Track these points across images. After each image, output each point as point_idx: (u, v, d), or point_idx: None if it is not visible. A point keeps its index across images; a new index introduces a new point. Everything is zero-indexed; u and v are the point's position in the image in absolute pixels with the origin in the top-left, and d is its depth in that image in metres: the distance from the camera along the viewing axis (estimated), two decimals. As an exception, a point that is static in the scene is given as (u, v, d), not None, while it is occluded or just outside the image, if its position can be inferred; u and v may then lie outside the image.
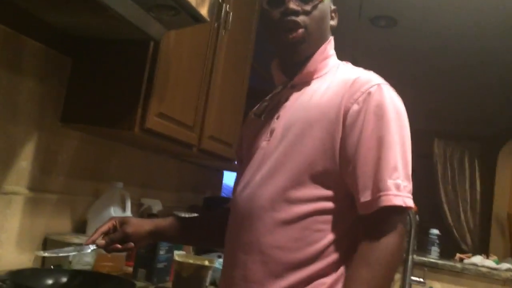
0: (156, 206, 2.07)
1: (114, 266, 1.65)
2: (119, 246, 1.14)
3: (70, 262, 1.48)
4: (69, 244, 1.48)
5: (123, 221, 1.18)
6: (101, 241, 1.13)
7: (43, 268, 1.35)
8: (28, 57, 1.40)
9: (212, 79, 1.84)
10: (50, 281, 1.13)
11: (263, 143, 1.00)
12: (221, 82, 1.92)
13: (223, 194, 2.98)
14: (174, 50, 1.55)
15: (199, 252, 2.10)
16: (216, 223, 1.22)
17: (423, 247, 2.81)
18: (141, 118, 1.44)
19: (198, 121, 1.79)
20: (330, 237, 0.91)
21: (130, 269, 1.63)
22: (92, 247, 1.10)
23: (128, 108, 1.44)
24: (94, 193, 1.76)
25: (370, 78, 0.95)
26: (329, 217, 0.92)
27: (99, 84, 1.50)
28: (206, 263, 1.50)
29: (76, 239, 1.51)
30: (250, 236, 0.94)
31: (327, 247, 0.91)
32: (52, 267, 1.39)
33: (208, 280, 1.47)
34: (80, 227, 1.69)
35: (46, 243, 1.53)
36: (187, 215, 2.08)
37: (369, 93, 0.92)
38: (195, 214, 2.19)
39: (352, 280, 0.86)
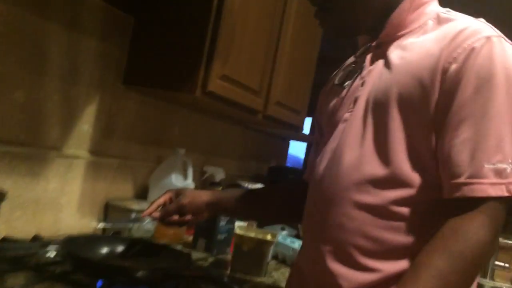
0: (219, 174, 2.00)
1: (174, 235, 1.61)
2: (175, 218, 1.07)
3: (130, 230, 1.44)
4: (130, 211, 1.44)
5: (179, 193, 1.10)
6: (157, 214, 1.07)
7: (99, 236, 1.31)
8: (89, 16, 1.34)
9: (280, 41, 1.70)
10: (104, 250, 1.09)
11: (346, 115, 0.84)
12: (290, 44, 1.77)
13: (288, 165, 2.86)
14: (239, 8, 1.42)
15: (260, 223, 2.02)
16: (281, 197, 1.11)
17: (510, 229, 2.55)
18: (203, 81, 1.34)
19: (264, 86, 1.67)
20: (416, 226, 0.76)
21: (191, 238, 1.57)
22: (148, 219, 1.04)
23: (190, 70, 1.35)
24: (155, 159, 1.72)
25: (477, 29, 0.74)
26: (418, 205, 0.76)
27: (161, 45, 1.41)
28: (269, 237, 1.40)
29: (136, 206, 1.47)
30: (329, 220, 0.80)
31: (412, 237, 0.76)
32: (112, 233, 1.36)
33: (269, 255, 1.37)
34: (141, 193, 1.65)
35: (107, 209, 1.50)
36: (250, 186, 2.00)
37: (473, 49, 0.72)
38: (259, 184, 2.10)
39: (424, 267, 0.69)
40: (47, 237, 1.25)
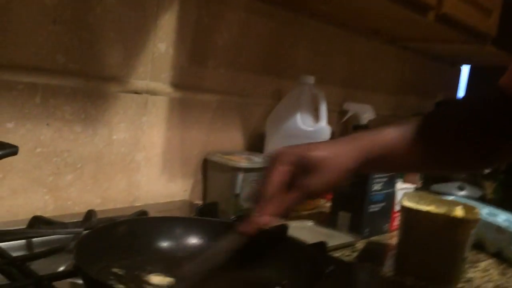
0: (366, 113, 1.42)
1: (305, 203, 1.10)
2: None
3: (236, 196, 0.98)
4: (238, 170, 0.97)
5: (304, 164, 0.58)
6: (264, 220, 0.57)
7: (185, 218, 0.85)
8: None
9: None
10: (193, 240, 0.62)
11: None
12: None
13: (459, 98, 2.13)
14: None
15: (427, 182, 1.42)
16: (474, 123, 0.63)
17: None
18: None
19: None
20: None
21: (328, 206, 1.06)
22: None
23: None
24: (273, 94, 1.20)
25: None
26: None
27: None
28: (462, 212, 0.81)
29: (246, 162, 0.99)
30: None
31: None
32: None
33: (469, 244, 0.78)
34: (254, 144, 1.17)
35: (206, 167, 1.06)
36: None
37: None
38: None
39: None
40: (113, 210, 0.85)
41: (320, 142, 0.62)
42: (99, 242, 0.56)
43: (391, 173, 0.98)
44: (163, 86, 0.95)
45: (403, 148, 0.62)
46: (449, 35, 1.31)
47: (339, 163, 0.58)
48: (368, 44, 1.52)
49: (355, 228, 0.94)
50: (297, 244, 0.63)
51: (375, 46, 1.56)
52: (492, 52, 1.55)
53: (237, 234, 0.58)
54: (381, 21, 1.24)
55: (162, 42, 0.93)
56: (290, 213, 0.58)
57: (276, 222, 0.58)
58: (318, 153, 0.58)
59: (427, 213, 0.78)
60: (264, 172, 0.59)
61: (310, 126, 1.11)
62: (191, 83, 1.00)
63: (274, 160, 0.58)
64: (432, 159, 0.64)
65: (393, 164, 0.65)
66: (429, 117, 0.66)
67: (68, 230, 0.68)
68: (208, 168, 1.05)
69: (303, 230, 0.92)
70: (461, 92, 2.14)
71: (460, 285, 0.76)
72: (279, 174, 0.57)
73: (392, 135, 0.62)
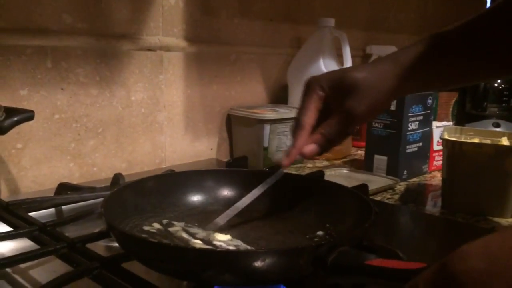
0: (391, 55, 1.34)
1: (335, 150, 1.06)
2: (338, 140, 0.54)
3: (265, 149, 0.94)
4: (263, 121, 0.93)
5: (342, 86, 0.53)
6: (312, 148, 0.53)
7: (218, 170, 0.80)
8: None
9: None
10: (226, 192, 0.59)
11: None
12: None
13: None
14: None
15: (460, 121, 1.35)
16: None
17: None
18: None
19: None
20: None
21: (361, 153, 1.01)
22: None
23: None
24: (292, 42, 1.14)
25: None
26: None
27: None
28: (511, 142, 0.76)
29: (272, 114, 0.94)
30: None
31: None
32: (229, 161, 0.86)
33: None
34: (277, 95, 1.12)
35: (229, 122, 1.01)
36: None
37: None
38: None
39: None
40: (140, 173, 0.82)
41: (358, 65, 0.57)
42: (127, 200, 0.53)
43: (431, 91, 0.91)
44: (177, 41, 0.90)
45: (448, 57, 0.55)
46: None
47: (382, 82, 0.52)
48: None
49: (392, 171, 0.90)
50: (337, 188, 0.59)
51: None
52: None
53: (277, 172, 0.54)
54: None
55: (172, -6, 0.87)
56: (332, 143, 0.54)
57: (317, 152, 0.53)
58: (357, 74, 0.53)
59: (472, 144, 0.72)
60: (300, 101, 0.54)
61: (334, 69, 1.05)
62: (205, 36, 0.95)
63: (308, 87, 0.54)
64: (482, 64, 0.57)
65: (438, 77, 0.59)
66: (472, 22, 0.58)
67: (97, 193, 0.65)
68: (233, 123, 1.00)
69: (339, 178, 0.87)
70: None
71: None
72: (315, 100, 0.52)
73: (432, 47, 0.55)
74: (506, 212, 0.71)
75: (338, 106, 0.52)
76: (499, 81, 1.38)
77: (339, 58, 1.08)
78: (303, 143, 0.52)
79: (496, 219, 0.70)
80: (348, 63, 1.06)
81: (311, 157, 0.55)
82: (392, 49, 1.35)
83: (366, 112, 0.52)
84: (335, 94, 0.53)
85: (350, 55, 1.06)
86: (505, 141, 0.77)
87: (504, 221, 0.69)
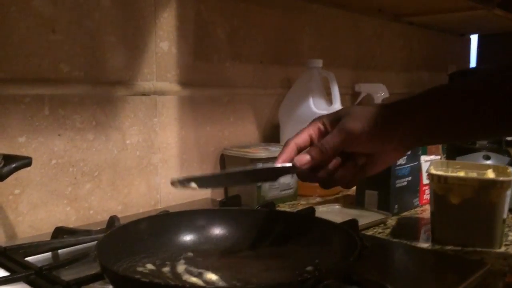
0: (380, 92, 1.39)
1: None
2: (336, 162, 0.55)
3: (258, 188, 0.96)
4: (256, 161, 0.95)
5: (339, 116, 0.56)
6: (303, 158, 0.55)
7: (214, 209, 0.82)
8: None
9: None
10: (217, 231, 0.60)
11: None
12: None
13: (472, 67, 2.08)
14: None
15: (450, 153, 1.37)
16: None
17: None
18: None
19: None
20: None
21: (353, 189, 1.03)
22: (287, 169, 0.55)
23: None
24: (282, 82, 1.18)
25: None
26: None
27: None
28: (493, 175, 0.78)
29: (264, 152, 0.97)
30: None
31: None
32: (225, 200, 0.88)
33: (507, 206, 0.75)
34: (269, 134, 1.15)
35: (223, 162, 1.04)
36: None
37: None
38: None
39: None
40: (135, 215, 0.83)
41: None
42: (121, 242, 0.55)
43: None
44: (171, 85, 0.93)
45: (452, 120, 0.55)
46: (453, 3, 1.27)
47: (374, 110, 0.55)
48: (373, 23, 1.50)
49: (383, 205, 0.91)
50: (327, 223, 0.61)
51: (380, 24, 1.53)
52: (499, 16, 1.50)
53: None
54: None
55: (164, 41, 0.91)
56: (327, 156, 0.54)
57: (308, 162, 0.55)
58: (353, 108, 0.56)
59: (457, 177, 0.75)
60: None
61: (324, 109, 1.09)
62: (198, 80, 0.98)
63: (309, 123, 0.57)
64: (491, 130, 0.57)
65: (449, 136, 0.60)
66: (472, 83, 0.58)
67: (92, 237, 0.67)
68: (226, 163, 1.03)
69: (331, 213, 0.89)
70: (472, 62, 2.09)
71: (503, 248, 0.73)
72: (310, 129, 0.56)
73: (437, 103, 0.55)
74: (495, 243, 0.73)
75: (336, 129, 0.55)
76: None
77: (328, 96, 1.11)
78: (288, 155, 0.54)
79: (486, 250, 0.71)
80: (337, 101, 1.09)
81: (303, 167, 0.55)
82: (380, 86, 1.40)
83: (362, 130, 0.53)
84: (330, 124, 0.55)
85: (339, 93, 1.10)
86: (490, 174, 0.79)
87: (493, 252, 0.71)
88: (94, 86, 0.81)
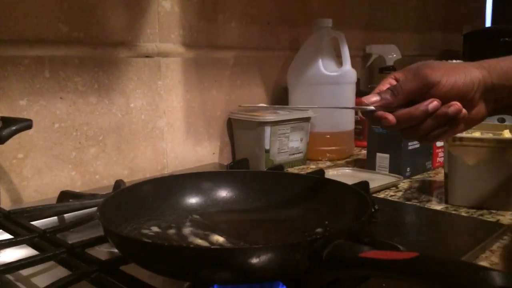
0: (392, 54, 1.34)
1: (338, 151, 1.06)
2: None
3: (266, 151, 0.93)
4: (264, 124, 0.93)
5: (415, 67, 0.51)
6: (372, 97, 0.51)
7: (216, 172, 0.80)
8: None
9: None
10: (223, 193, 0.58)
11: None
12: None
13: (487, 27, 2.00)
14: None
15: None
16: None
17: None
18: None
19: None
20: None
21: (365, 153, 1.01)
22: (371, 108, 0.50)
23: None
24: (290, 44, 1.15)
25: None
26: None
27: None
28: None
29: (272, 116, 0.94)
30: None
31: None
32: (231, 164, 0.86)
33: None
34: (278, 98, 1.12)
35: (230, 125, 1.02)
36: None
37: None
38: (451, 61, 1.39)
39: None
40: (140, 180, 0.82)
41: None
42: (126, 204, 0.53)
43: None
44: (174, 46, 0.90)
45: None
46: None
47: (461, 68, 0.50)
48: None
49: (395, 169, 0.89)
50: (336, 185, 0.58)
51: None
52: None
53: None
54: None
55: (166, 0, 0.88)
56: (400, 99, 0.49)
57: (377, 101, 0.50)
58: (427, 61, 0.51)
59: (473, 138, 0.72)
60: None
61: (334, 71, 1.05)
62: (203, 41, 0.95)
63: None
64: None
65: None
66: None
67: (98, 200, 0.65)
68: (234, 127, 1.01)
69: (342, 177, 0.87)
70: (488, 22, 2.02)
71: (517, 210, 0.70)
72: (389, 78, 0.52)
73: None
74: (510, 205, 0.70)
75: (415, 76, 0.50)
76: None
77: (339, 58, 1.07)
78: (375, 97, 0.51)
79: (500, 212, 0.69)
80: (347, 63, 1.05)
81: (371, 105, 0.50)
82: (392, 47, 1.35)
83: (441, 77, 0.49)
84: (412, 75, 0.50)
85: (349, 55, 1.06)
86: (507, 134, 0.76)
87: (509, 214, 0.68)
88: (95, 47, 0.78)
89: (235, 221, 0.55)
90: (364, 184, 0.67)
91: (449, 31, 1.79)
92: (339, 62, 1.07)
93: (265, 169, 0.88)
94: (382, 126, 0.51)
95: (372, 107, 0.50)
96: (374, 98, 0.51)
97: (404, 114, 0.50)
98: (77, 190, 0.74)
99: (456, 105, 0.49)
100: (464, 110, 0.49)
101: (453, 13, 1.82)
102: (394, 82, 0.52)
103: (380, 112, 0.50)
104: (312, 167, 0.97)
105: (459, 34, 1.74)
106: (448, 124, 0.50)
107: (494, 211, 0.69)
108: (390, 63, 1.33)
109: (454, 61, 0.57)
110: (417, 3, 1.62)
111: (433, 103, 0.49)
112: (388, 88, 0.51)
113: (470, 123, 0.53)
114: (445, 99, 0.49)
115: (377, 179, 0.84)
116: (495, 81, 0.51)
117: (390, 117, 0.50)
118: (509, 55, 0.52)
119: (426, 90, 0.49)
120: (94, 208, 0.64)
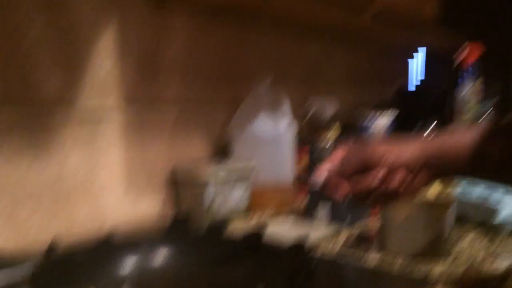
0: (330, 106, 1.40)
1: (280, 200, 1.08)
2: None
3: (208, 209, 0.94)
4: (207, 178, 0.93)
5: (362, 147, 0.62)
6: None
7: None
8: None
9: None
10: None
11: None
12: None
13: (417, 84, 2.15)
14: None
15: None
16: None
17: None
18: None
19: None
20: None
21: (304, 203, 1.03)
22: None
23: None
24: (231, 100, 1.17)
25: None
26: None
27: None
28: (442, 188, 0.79)
29: (215, 170, 0.95)
30: None
31: None
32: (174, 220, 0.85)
33: (448, 221, 0.76)
34: (220, 151, 1.14)
35: (176, 180, 1.01)
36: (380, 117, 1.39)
37: None
38: (392, 112, 1.47)
39: None
40: (80, 237, 0.79)
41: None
42: (56, 276, 0.51)
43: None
44: (114, 103, 0.90)
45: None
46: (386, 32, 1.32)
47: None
48: (317, 46, 1.51)
49: (336, 217, 0.92)
50: (274, 248, 0.60)
51: (325, 44, 1.55)
52: (440, 33, 1.56)
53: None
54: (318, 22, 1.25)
55: (106, 61, 0.88)
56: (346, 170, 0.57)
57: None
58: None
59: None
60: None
61: (273, 128, 1.09)
62: (143, 97, 0.96)
63: None
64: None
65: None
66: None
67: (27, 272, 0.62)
68: (176, 182, 1.00)
69: (284, 227, 0.89)
70: (419, 76, 2.17)
71: (451, 257, 0.74)
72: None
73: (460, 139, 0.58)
74: (443, 254, 0.74)
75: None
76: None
77: (278, 113, 1.11)
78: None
79: (435, 259, 0.72)
80: (286, 119, 1.10)
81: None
82: (331, 99, 1.42)
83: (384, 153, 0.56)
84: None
85: (289, 109, 1.11)
86: (436, 186, 0.81)
87: (441, 261, 0.72)
88: (33, 106, 0.77)
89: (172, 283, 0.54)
90: (301, 242, 0.67)
91: (380, 86, 1.91)
92: (279, 117, 1.11)
93: (207, 224, 0.88)
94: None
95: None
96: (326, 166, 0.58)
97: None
98: (10, 248, 0.71)
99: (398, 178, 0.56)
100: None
101: (384, 70, 1.94)
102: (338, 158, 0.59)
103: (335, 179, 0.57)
104: (255, 218, 0.98)
105: (389, 89, 1.86)
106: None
107: (428, 258, 0.72)
108: (328, 115, 1.39)
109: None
110: (345, 63, 1.71)
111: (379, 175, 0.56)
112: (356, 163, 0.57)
113: (412, 190, 0.59)
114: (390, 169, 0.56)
115: (318, 229, 0.87)
116: (433, 154, 0.57)
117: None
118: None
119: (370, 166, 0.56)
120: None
